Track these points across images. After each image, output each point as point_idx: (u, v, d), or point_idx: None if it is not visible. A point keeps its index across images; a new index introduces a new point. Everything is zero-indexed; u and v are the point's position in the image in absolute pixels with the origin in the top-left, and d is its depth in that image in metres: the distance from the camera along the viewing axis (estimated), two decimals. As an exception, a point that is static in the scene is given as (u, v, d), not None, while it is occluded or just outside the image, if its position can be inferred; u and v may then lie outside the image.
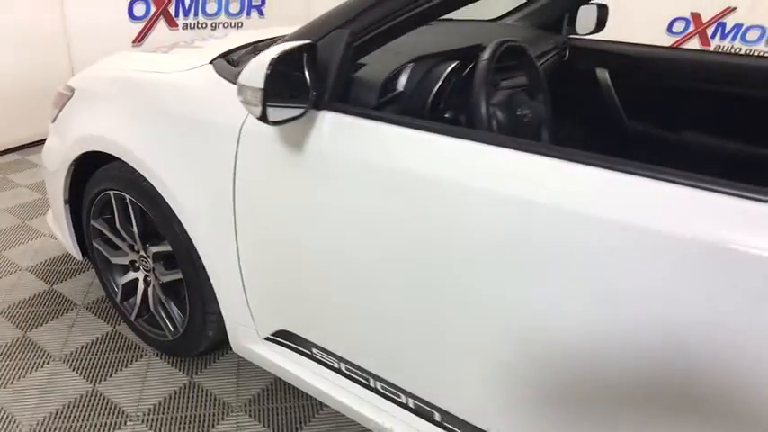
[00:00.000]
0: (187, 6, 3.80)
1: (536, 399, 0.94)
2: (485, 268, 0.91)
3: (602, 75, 2.05)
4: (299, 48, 1.01)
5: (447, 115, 1.27)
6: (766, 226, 0.70)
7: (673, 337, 0.76)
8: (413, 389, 1.14)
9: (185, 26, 3.84)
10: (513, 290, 0.89)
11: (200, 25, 3.91)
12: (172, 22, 3.76)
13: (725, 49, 3.71)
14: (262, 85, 0.95)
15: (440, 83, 1.23)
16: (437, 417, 1.13)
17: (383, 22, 1.04)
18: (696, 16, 3.72)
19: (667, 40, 3.80)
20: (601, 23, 2.15)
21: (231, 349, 1.49)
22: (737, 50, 3.68)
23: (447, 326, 1.00)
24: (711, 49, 3.71)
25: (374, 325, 1.13)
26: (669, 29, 3.79)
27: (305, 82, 1.04)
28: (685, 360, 0.76)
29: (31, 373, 1.63)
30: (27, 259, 2.17)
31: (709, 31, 3.72)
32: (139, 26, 3.63)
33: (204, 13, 3.90)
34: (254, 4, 4.08)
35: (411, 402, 1.16)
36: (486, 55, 1.22)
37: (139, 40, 3.66)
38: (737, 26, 3.65)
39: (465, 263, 0.93)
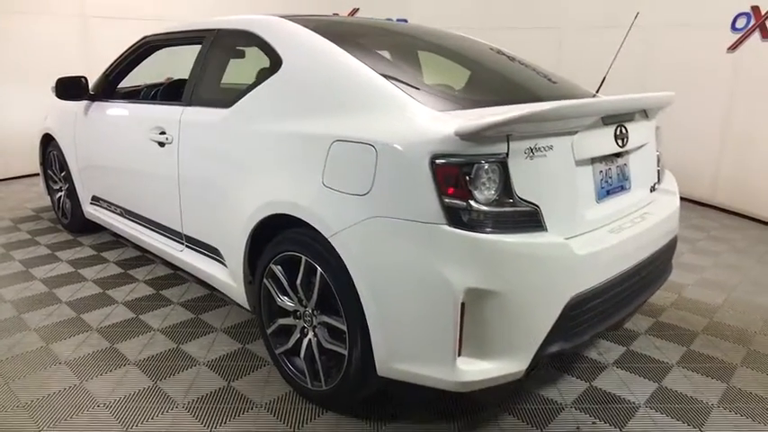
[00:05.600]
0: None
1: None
2: (141, 146, 2.76)
3: None
4: (79, 77, 3.02)
5: (147, 101, 3.19)
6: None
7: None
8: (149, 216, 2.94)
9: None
10: (163, 156, 2.73)
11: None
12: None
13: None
14: (54, 86, 2.97)
15: (152, 92, 3.19)
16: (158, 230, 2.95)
17: (112, 73, 3.07)
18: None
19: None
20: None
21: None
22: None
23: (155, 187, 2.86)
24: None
25: (126, 189, 2.96)
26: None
27: (86, 88, 3.03)
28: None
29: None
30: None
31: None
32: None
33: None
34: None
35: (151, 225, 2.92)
36: (161, 86, 3.18)
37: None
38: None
39: (139, 148, 2.76)
